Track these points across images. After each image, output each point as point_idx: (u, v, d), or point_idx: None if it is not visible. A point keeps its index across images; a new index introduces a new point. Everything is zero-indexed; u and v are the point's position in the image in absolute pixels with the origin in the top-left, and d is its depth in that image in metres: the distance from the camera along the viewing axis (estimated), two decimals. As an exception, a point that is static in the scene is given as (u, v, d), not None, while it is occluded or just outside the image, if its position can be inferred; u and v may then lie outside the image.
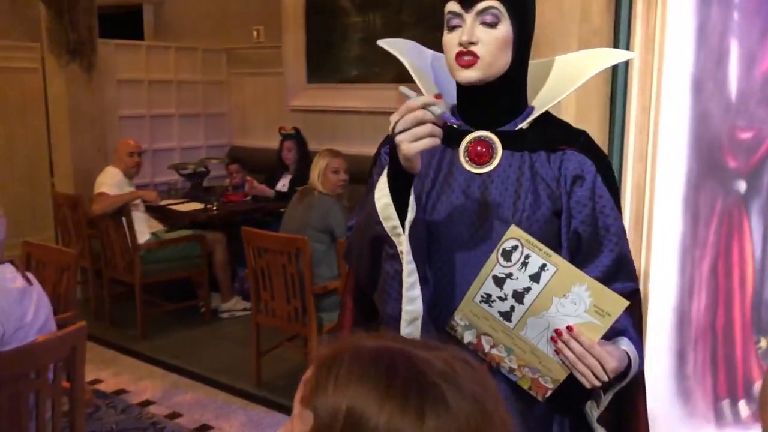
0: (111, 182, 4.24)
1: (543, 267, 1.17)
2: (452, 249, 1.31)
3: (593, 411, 1.29)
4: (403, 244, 1.20)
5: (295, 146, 4.98)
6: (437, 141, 1.13)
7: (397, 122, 1.12)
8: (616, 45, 2.52)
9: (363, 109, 5.08)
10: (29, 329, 1.89)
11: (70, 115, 4.82)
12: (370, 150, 4.41)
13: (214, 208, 4.57)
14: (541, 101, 1.39)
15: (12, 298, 1.86)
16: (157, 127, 5.66)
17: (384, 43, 1.50)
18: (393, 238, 1.21)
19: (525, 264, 1.18)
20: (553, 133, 1.36)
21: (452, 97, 1.43)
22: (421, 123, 1.11)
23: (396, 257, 1.22)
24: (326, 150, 3.52)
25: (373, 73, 4.99)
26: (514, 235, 1.19)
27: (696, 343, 2.53)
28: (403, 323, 1.23)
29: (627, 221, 2.59)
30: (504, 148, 1.33)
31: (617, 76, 2.53)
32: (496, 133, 1.34)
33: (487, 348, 1.26)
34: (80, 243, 4.42)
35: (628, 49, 2.51)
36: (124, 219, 4.09)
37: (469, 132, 1.35)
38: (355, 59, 5.13)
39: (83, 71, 4.85)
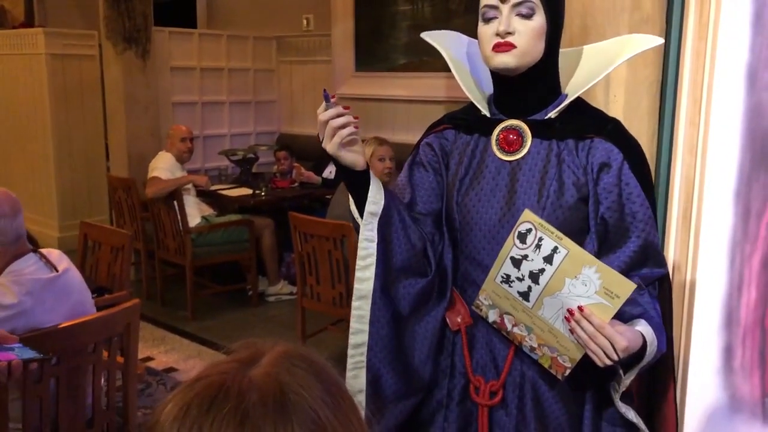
0: (164, 167, 4.35)
1: (555, 249, 1.23)
2: (482, 232, 1.38)
3: (615, 392, 1.33)
4: (361, 231, 1.34)
5: (342, 134, 5.01)
6: (351, 129, 1.33)
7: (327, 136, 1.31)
8: (667, 33, 2.48)
9: (410, 98, 5.09)
10: (44, 317, 1.88)
11: (125, 101, 4.96)
12: (416, 139, 4.45)
13: (263, 193, 4.65)
14: (573, 89, 1.44)
15: (27, 288, 1.86)
16: (209, 114, 5.78)
17: (427, 36, 1.56)
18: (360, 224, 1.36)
19: (539, 246, 1.24)
20: (583, 121, 1.41)
21: (488, 85, 1.49)
22: (327, 126, 1.32)
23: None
24: (373, 137, 3.54)
25: (421, 61, 4.99)
26: (527, 219, 1.25)
27: (744, 338, 2.48)
28: (353, 298, 1.36)
29: (675, 214, 2.55)
30: (534, 136, 1.39)
31: (668, 65, 2.49)
32: (526, 122, 1.40)
33: (509, 327, 1.34)
34: (134, 225, 4.56)
35: (680, 38, 2.46)
36: (175, 203, 4.20)
37: (502, 121, 1.42)
38: (403, 48, 5.14)
39: (138, 58, 4.98)
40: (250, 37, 5.96)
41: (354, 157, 1.32)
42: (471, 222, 1.39)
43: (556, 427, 1.38)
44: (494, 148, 1.41)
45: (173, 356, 3.75)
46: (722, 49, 2.31)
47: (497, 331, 1.38)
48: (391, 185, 3.55)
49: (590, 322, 1.21)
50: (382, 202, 1.34)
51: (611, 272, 1.22)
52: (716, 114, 2.35)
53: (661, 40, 1.52)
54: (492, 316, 1.35)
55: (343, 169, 1.33)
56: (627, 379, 1.30)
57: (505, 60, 1.33)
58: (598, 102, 2.52)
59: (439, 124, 1.54)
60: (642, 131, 2.51)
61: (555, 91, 1.42)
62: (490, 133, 1.42)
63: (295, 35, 5.93)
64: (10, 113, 5.77)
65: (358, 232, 1.37)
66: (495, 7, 1.33)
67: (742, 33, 2.32)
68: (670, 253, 2.49)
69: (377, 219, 1.33)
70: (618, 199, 1.34)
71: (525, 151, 1.38)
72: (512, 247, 1.26)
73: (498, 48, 1.33)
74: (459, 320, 1.41)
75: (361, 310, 1.34)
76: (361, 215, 1.33)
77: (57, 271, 1.93)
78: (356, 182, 1.35)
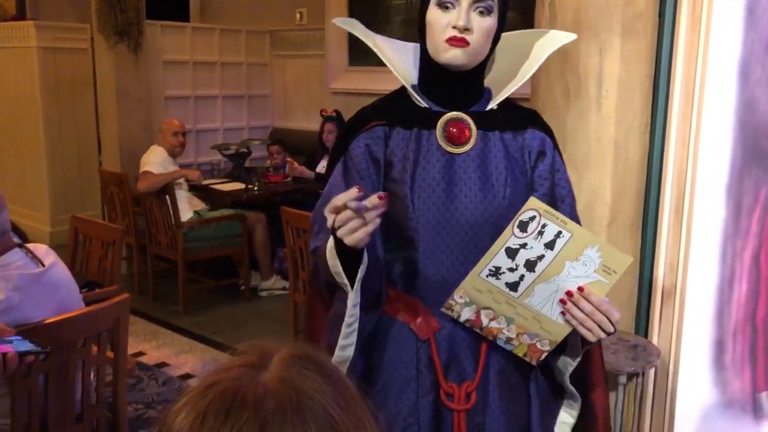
0: (156, 161, 4.33)
1: (558, 234, 1.23)
2: (446, 230, 1.35)
3: (568, 367, 1.35)
4: (350, 298, 1.25)
5: (335, 128, 5.01)
6: (372, 227, 1.14)
7: (334, 220, 1.14)
8: (660, 28, 2.47)
9: (403, 92, 5.07)
10: (31, 313, 1.85)
11: (117, 95, 4.94)
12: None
13: (255, 188, 4.64)
14: (495, 82, 1.45)
15: (14, 284, 1.84)
16: (201, 108, 5.76)
17: (341, 23, 1.53)
18: (343, 288, 1.26)
19: (541, 233, 1.23)
20: (517, 112, 1.46)
21: (412, 75, 1.48)
22: (352, 217, 1.13)
23: (344, 301, 1.27)
24: (365, 132, 3.53)
25: (415, 56, 4.98)
26: (532, 206, 1.23)
27: (735, 333, 2.49)
28: (335, 359, 1.29)
29: (667, 209, 2.55)
30: (477, 128, 1.38)
31: (661, 61, 2.49)
32: (468, 114, 1.39)
33: (486, 322, 1.32)
34: (126, 220, 4.54)
35: (673, 33, 2.46)
36: (167, 197, 4.18)
37: (442, 113, 1.38)
38: (396, 42, 5.12)
39: (130, 52, 4.95)
40: (243, 31, 5.94)
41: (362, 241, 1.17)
42: (432, 221, 1.34)
43: (520, 414, 1.40)
44: (441, 141, 1.36)
45: (165, 351, 3.74)
46: (715, 44, 2.30)
47: (463, 330, 1.34)
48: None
49: (589, 301, 1.23)
50: (366, 263, 1.24)
51: (611, 248, 1.24)
52: (708, 109, 2.35)
53: (573, 36, 1.49)
54: (466, 314, 1.32)
55: (341, 244, 1.18)
56: (582, 351, 1.32)
57: (458, 55, 1.31)
58: (590, 97, 2.52)
59: (365, 121, 1.43)
60: (635, 126, 2.51)
61: (482, 84, 1.43)
62: (433, 126, 1.37)
63: (288, 29, 5.91)
64: (1, 107, 5.74)
65: (333, 293, 1.29)
66: None
67: (735, 28, 2.31)
68: (662, 248, 2.49)
69: (361, 281, 1.25)
70: (551, 185, 1.41)
71: (472, 143, 1.37)
72: (510, 237, 1.24)
73: (453, 41, 1.30)
74: (427, 328, 1.36)
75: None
76: (351, 283, 1.23)
77: (43, 266, 1.91)
78: (351, 254, 1.21)
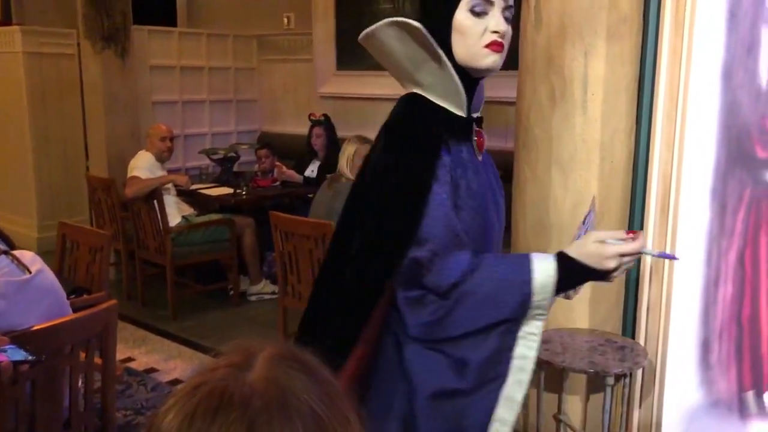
0: (143, 166, 4.32)
1: (588, 214, 1.48)
2: (494, 239, 1.43)
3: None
4: (539, 327, 1.30)
5: (324, 133, 5.02)
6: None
7: (617, 267, 1.27)
8: (645, 31, 2.50)
9: (392, 97, 5.03)
10: (18, 320, 1.84)
11: (104, 100, 4.92)
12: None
13: (244, 192, 4.64)
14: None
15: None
16: (189, 113, 5.75)
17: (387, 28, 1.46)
18: (527, 319, 1.29)
19: (584, 222, 1.46)
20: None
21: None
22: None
23: (512, 333, 1.30)
24: (355, 136, 3.54)
25: (402, 60, 4.99)
26: (592, 203, 1.56)
27: (721, 333, 2.51)
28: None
29: (653, 210, 2.57)
30: None
31: (645, 63, 2.51)
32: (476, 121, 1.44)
33: None
34: (114, 225, 4.52)
35: (657, 36, 2.49)
36: (155, 202, 4.17)
37: (471, 121, 1.41)
38: (384, 46, 5.13)
39: (117, 57, 4.94)
40: (230, 36, 5.94)
41: None
42: (486, 229, 1.38)
43: None
44: (475, 150, 1.40)
45: (154, 357, 3.72)
46: (698, 47, 2.33)
47: None
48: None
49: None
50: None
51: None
52: (693, 111, 2.37)
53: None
54: None
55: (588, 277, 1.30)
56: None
57: (497, 60, 1.33)
58: (575, 100, 2.54)
59: (434, 146, 1.35)
60: (620, 128, 2.54)
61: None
62: (470, 137, 1.39)
63: (276, 34, 5.91)
64: (-13, 113, 5.70)
65: (525, 312, 1.29)
66: (491, 3, 1.32)
67: (718, 32, 2.34)
68: (648, 248, 2.51)
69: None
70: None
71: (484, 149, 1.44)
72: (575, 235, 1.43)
73: (494, 47, 1.31)
74: None
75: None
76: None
77: (30, 272, 1.90)
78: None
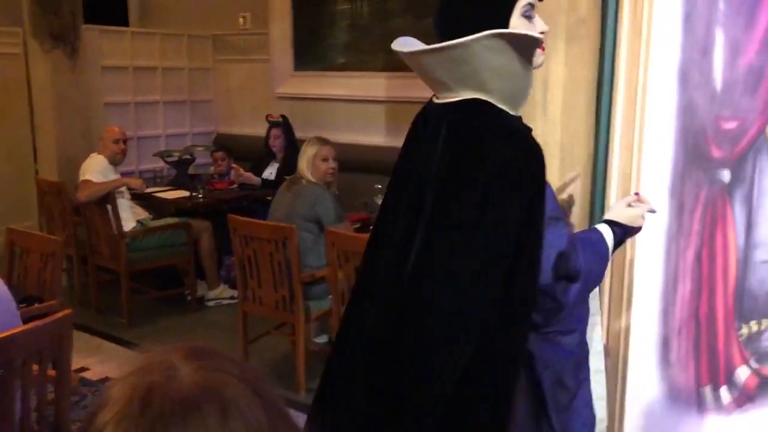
0: (96, 169, 4.20)
1: None
2: None
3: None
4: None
5: (282, 134, 4.96)
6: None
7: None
8: (603, 34, 2.52)
9: (350, 98, 5.06)
10: None
11: (54, 101, 4.77)
12: (358, 138, 4.46)
13: (200, 195, 4.55)
14: None
15: None
16: (143, 114, 5.61)
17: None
18: None
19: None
20: None
21: None
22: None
23: None
24: (315, 138, 3.50)
25: (361, 61, 4.97)
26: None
27: (680, 330, 2.55)
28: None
29: (613, 210, 2.61)
30: None
31: (604, 65, 2.54)
32: None
33: None
34: (65, 230, 4.38)
35: (615, 38, 2.51)
36: (109, 206, 4.06)
37: None
38: (342, 46, 5.10)
39: (67, 57, 4.79)
40: (185, 36, 5.82)
41: None
42: None
43: None
44: None
45: (110, 365, 3.61)
46: (656, 48, 2.36)
47: None
48: (333, 186, 3.52)
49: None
50: None
51: None
52: (651, 112, 2.40)
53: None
54: None
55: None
56: None
57: (544, 60, 1.44)
58: (536, 101, 2.55)
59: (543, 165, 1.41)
60: (579, 130, 2.55)
61: None
62: None
63: (231, 33, 5.82)
64: (-72, 114, 5.47)
65: None
66: (533, 7, 1.40)
67: (674, 33, 2.38)
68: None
69: None
70: None
71: None
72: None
73: (542, 47, 1.39)
74: None
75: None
76: None
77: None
78: None
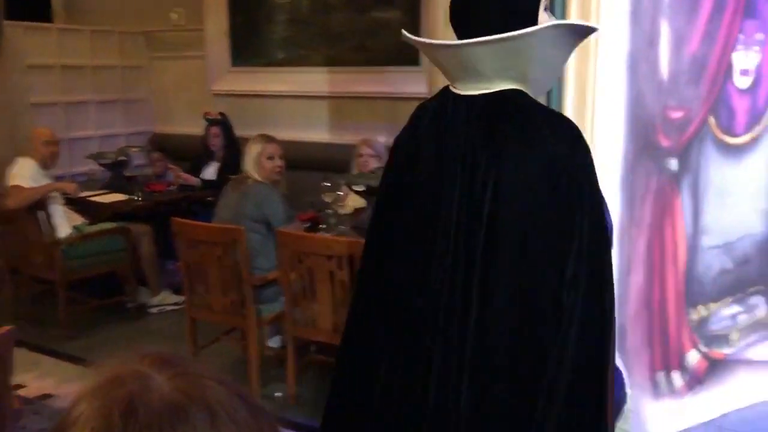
0: (26, 174, 3.98)
1: None
2: None
3: None
4: None
5: (221, 132, 4.83)
6: None
7: None
8: (551, 26, 2.52)
9: (291, 94, 4.96)
10: None
11: (-25, 103, 4.50)
12: (301, 135, 4.39)
13: (139, 198, 4.37)
14: None
15: None
16: (73, 115, 5.35)
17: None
18: None
19: None
20: None
21: None
22: None
23: None
24: (260, 135, 3.39)
25: (300, 56, 4.87)
26: None
27: (635, 318, 2.59)
28: None
29: (566, 202, 2.62)
30: None
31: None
32: None
33: None
34: (-7, 240, 4.14)
35: (563, 30, 2.51)
36: (41, 213, 3.86)
37: None
38: (281, 42, 4.99)
39: (-12, 56, 4.53)
40: (115, 32, 5.58)
41: None
42: None
43: None
44: None
45: (48, 381, 3.43)
46: (605, 39, 2.37)
47: None
48: (281, 185, 3.43)
49: None
50: None
51: None
52: (601, 103, 2.42)
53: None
54: None
55: None
56: None
57: None
58: (488, 94, 2.54)
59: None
60: (532, 122, 2.56)
61: None
62: None
63: (164, 30, 5.61)
64: None
65: None
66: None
67: (622, 24, 2.39)
68: (565, 241, 2.55)
69: None
70: None
71: None
72: None
73: None
74: None
75: None
76: None
77: None
78: None
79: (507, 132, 1.35)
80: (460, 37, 1.41)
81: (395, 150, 1.56)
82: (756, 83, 2.76)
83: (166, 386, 0.58)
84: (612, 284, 1.39)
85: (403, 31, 1.50)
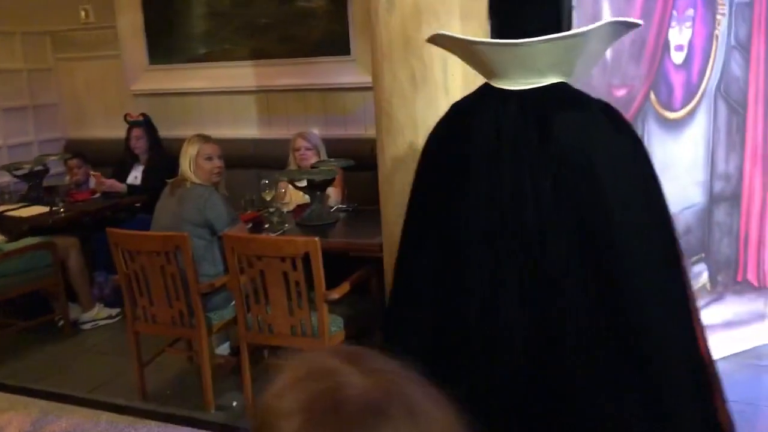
0: (-69, 192, 3.67)
1: None
2: None
3: None
4: None
5: (144, 134, 4.62)
6: None
7: None
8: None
9: (215, 90, 4.78)
10: None
11: None
12: (229, 133, 4.24)
13: (61, 209, 4.10)
14: None
15: None
16: (-24, 125, 4.98)
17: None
18: None
19: None
20: None
21: None
22: None
23: None
24: (196, 136, 3.23)
25: (223, 50, 4.69)
26: None
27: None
28: None
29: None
30: None
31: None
32: None
33: None
34: None
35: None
36: (-46, 233, 3.56)
37: None
38: (201, 36, 4.78)
39: None
40: (17, 33, 5.20)
41: None
42: None
43: None
44: None
45: (-22, 413, 3.18)
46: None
47: None
48: (221, 187, 3.29)
49: None
50: None
51: None
52: (550, 85, 2.42)
53: None
54: None
55: None
56: None
57: None
58: (437, 82, 2.49)
59: None
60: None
61: None
62: None
63: (72, 29, 5.28)
64: None
65: None
66: None
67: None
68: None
69: None
70: None
71: None
72: None
73: None
74: None
75: None
76: None
77: None
78: None
79: (570, 120, 1.43)
80: (507, 35, 1.45)
81: (432, 152, 1.60)
82: (689, 58, 2.84)
83: (363, 383, 0.59)
84: None
85: (442, 32, 1.60)
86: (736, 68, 2.97)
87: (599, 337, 1.36)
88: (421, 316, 1.51)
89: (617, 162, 1.41)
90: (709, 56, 2.93)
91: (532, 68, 1.44)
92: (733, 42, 2.93)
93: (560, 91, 1.46)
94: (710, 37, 2.93)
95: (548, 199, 1.37)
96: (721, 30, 2.92)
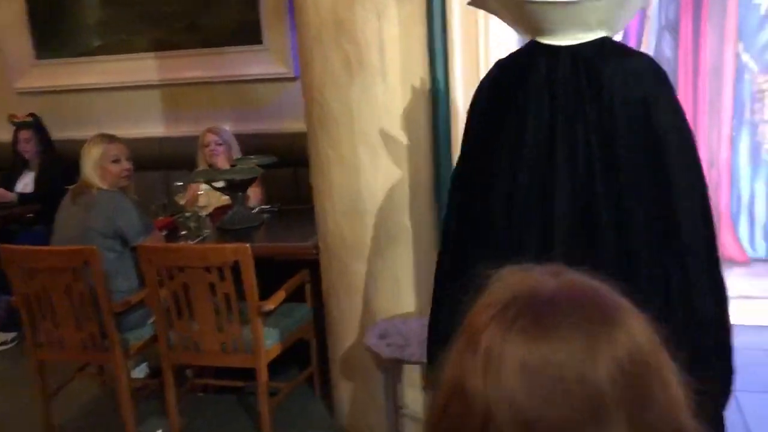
0: None
1: None
2: None
3: None
4: None
5: (33, 136, 4.20)
6: None
7: None
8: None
9: (114, 85, 4.37)
10: None
11: None
12: (130, 132, 3.81)
13: (-60, 225, 3.63)
14: None
15: None
16: None
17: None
18: None
19: None
20: None
21: None
22: None
23: None
24: (99, 136, 2.87)
25: (122, 41, 4.28)
26: None
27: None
28: None
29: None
30: None
31: (433, 20, 2.34)
32: None
33: None
34: None
35: (443, 6, 2.32)
36: None
37: None
38: (96, 26, 4.35)
39: None
40: None
41: None
42: None
43: None
44: None
45: None
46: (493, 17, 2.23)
47: None
48: (130, 191, 2.96)
49: None
50: None
51: None
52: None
53: None
54: None
55: None
56: None
57: None
58: (373, 66, 2.29)
59: None
60: (419, 92, 2.37)
61: None
62: None
63: (-60, 21, 4.71)
64: None
65: None
66: None
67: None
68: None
69: None
70: None
71: None
72: None
73: None
74: None
75: None
76: None
77: None
78: None
79: (622, 70, 1.45)
80: None
81: (483, 111, 1.56)
82: (623, 40, 2.81)
83: (559, 284, 0.65)
84: None
85: None
86: (666, 48, 2.97)
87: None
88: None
89: (668, 113, 1.46)
90: (641, 37, 2.93)
91: (582, 24, 1.46)
92: (663, 23, 2.93)
93: (608, 44, 1.50)
94: (642, 19, 2.93)
95: (600, 149, 1.42)
96: (652, 11, 2.92)
